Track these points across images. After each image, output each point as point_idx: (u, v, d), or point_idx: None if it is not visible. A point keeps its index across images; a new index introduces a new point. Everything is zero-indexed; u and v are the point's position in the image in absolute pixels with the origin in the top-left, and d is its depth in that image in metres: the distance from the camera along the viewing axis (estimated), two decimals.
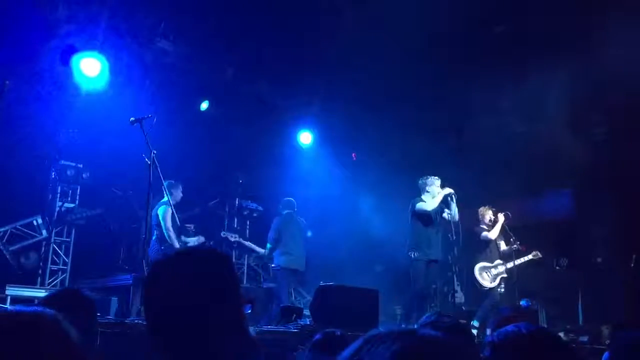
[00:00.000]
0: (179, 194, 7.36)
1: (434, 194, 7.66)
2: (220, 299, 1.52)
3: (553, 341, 1.67)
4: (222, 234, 8.73)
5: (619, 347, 2.03)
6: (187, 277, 1.53)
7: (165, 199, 6.81)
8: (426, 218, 7.58)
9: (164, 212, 7.15)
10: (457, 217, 7.58)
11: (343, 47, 8.28)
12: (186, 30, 8.39)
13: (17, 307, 1.12)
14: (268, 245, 8.44)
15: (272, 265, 8.59)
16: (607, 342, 6.71)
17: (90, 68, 7.60)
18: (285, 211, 8.61)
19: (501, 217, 8.27)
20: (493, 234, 8.17)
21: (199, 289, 1.51)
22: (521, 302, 8.45)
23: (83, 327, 2.28)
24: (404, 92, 9.55)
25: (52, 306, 2.31)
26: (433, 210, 7.55)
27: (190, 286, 1.51)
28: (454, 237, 7.69)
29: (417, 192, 7.88)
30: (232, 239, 8.59)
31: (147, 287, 1.59)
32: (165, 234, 7.11)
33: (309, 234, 9.76)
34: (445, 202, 7.63)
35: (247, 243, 8.90)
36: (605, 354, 2.03)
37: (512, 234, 8.22)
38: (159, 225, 7.16)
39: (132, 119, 6.02)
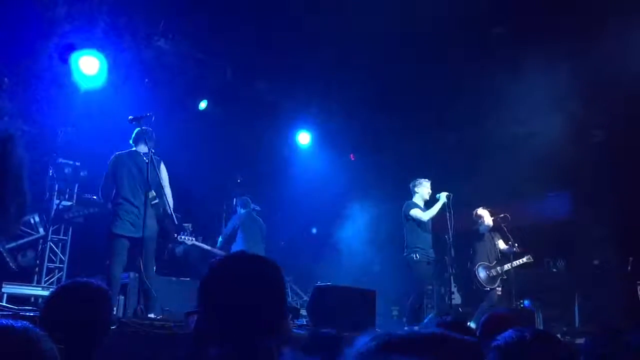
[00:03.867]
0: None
1: (423, 196, 7.80)
2: (269, 298, 1.67)
3: (555, 344, 1.68)
4: (178, 238, 8.33)
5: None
6: (244, 277, 1.67)
7: (143, 150, 6.19)
8: (422, 220, 7.66)
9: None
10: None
11: (342, 48, 8.29)
12: (185, 29, 8.38)
13: None
14: (220, 239, 8.56)
15: None
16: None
17: (89, 66, 7.58)
18: (244, 210, 8.64)
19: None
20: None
21: (252, 287, 1.65)
22: (524, 303, 8.46)
23: (94, 318, 2.28)
24: (402, 92, 9.55)
25: (63, 299, 2.32)
26: (428, 219, 7.65)
27: (246, 284, 1.65)
28: (451, 239, 7.71)
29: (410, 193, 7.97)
30: (189, 242, 8.46)
31: (206, 282, 1.70)
32: (170, 193, 6.25)
33: (314, 230, 9.72)
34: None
35: (204, 245, 8.84)
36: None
37: (510, 236, 8.22)
38: (163, 185, 6.24)
39: (130, 117, 6.02)
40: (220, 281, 1.68)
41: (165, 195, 6.12)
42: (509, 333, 1.74)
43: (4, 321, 1.12)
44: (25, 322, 1.15)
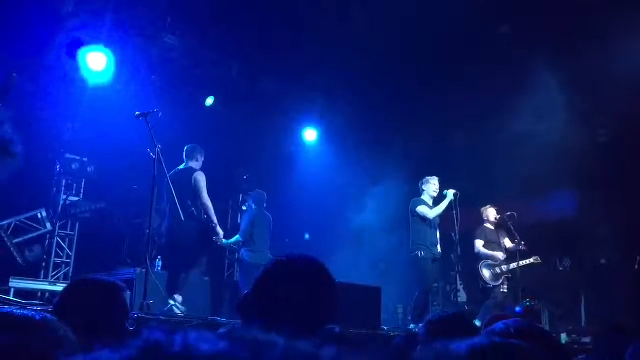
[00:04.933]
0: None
1: (430, 193, 7.76)
2: (320, 294, 1.88)
3: (542, 339, 1.64)
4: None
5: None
6: (299, 275, 1.88)
7: (189, 165, 6.85)
8: (428, 217, 7.63)
9: (203, 179, 6.78)
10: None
11: (347, 45, 8.27)
12: (192, 26, 8.39)
13: (6, 309, 1.13)
14: (237, 237, 8.41)
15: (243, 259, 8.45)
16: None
17: (97, 62, 7.61)
18: (256, 206, 8.58)
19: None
20: (479, 243, 8.13)
21: (306, 287, 1.84)
22: (527, 303, 8.42)
23: (109, 315, 2.28)
24: (407, 90, 9.53)
25: (76, 295, 2.31)
26: (435, 216, 7.62)
27: (301, 283, 1.84)
28: (457, 237, 7.68)
29: (418, 191, 7.95)
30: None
31: (264, 277, 1.87)
32: (206, 203, 6.74)
33: (307, 236, 9.70)
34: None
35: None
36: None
37: (517, 235, 8.16)
38: (197, 195, 6.70)
39: (137, 113, 6.03)
40: (281, 275, 1.86)
41: (202, 204, 6.64)
42: (491, 327, 1.72)
43: (24, 311, 1.13)
44: (44, 313, 1.17)
